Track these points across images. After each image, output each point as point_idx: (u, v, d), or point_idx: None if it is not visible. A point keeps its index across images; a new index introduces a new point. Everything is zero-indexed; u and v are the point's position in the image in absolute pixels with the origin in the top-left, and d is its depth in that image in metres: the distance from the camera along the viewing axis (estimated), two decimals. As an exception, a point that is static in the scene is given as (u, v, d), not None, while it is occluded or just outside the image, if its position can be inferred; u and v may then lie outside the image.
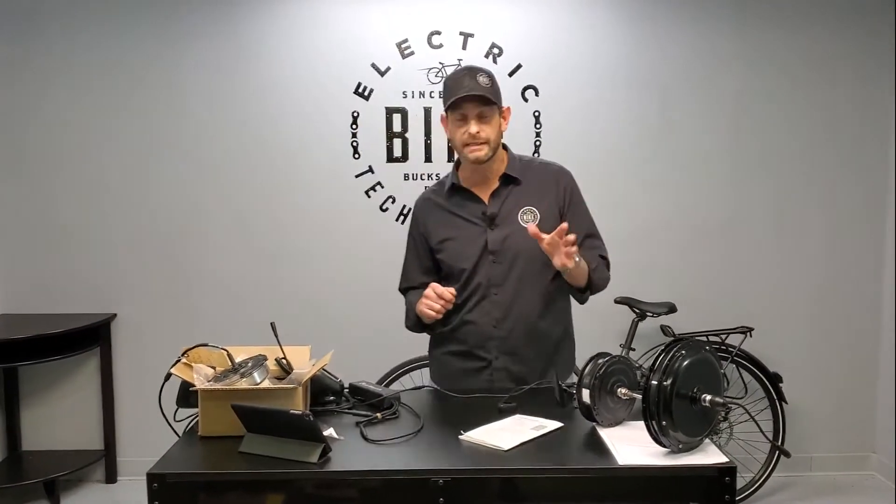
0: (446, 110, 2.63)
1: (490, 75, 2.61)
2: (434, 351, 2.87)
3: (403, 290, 2.89)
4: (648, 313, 4.27)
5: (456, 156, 2.80)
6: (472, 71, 2.59)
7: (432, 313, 2.54)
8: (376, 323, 4.51)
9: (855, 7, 4.49)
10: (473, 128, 2.56)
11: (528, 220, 2.65)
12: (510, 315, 2.67)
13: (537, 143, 4.52)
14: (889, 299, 4.61)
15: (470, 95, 2.53)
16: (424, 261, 2.82)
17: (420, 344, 2.99)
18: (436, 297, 2.53)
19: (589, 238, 2.76)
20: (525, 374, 2.68)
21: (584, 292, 2.69)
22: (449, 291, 2.54)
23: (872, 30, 4.50)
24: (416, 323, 2.74)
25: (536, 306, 2.70)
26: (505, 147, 2.75)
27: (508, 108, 2.71)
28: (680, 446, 1.92)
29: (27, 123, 4.51)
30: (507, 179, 2.71)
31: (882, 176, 4.60)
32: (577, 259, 2.46)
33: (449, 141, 2.71)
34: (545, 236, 2.40)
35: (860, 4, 4.49)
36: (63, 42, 4.45)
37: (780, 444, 4.32)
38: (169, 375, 2.20)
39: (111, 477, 4.64)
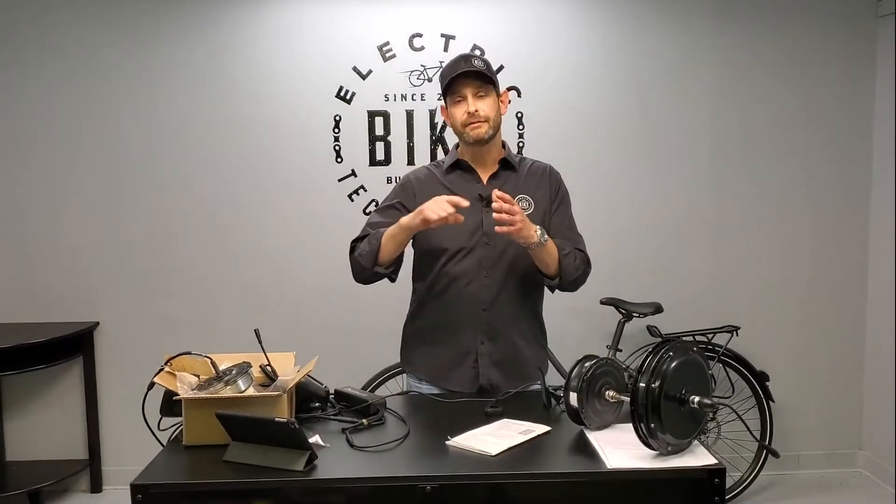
0: (445, 97, 2.67)
1: (485, 60, 2.66)
2: (413, 341, 2.84)
3: (357, 239, 2.71)
4: (635, 314, 4.26)
5: (453, 143, 2.82)
6: (467, 56, 2.65)
7: (434, 217, 2.41)
8: (361, 328, 4.50)
9: (836, 6, 4.50)
10: (472, 106, 2.59)
11: (524, 207, 2.67)
12: (499, 299, 2.67)
13: (520, 143, 4.51)
14: (874, 297, 4.63)
15: (466, 75, 2.58)
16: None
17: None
18: (447, 205, 2.43)
19: (569, 231, 2.77)
20: (508, 360, 2.69)
21: (554, 279, 2.67)
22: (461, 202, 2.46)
23: (854, 28, 4.52)
24: (372, 258, 2.57)
25: (523, 292, 2.72)
26: (503, 142, 2.79)
27: (506, 93, 2.75)
28: (669, 448, 1.91)
29: (0, 127, 4.47)
30: (506, 164, 2.74)
31: (866, 174, 4.62)
32: (541, 235, 2.50)
33: (451, 127, 2.69)
34: (498, 206, 2.39)
35: (841, 3, 4.50)
36: (36, 45, 4.41)
37: (767, 443, 4.33)
38: (152, 384, 2.18)
39: (96, 486, 4.60)
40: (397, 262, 2.66)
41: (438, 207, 2.42)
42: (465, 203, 2.44)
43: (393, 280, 2.70)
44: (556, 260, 2.62)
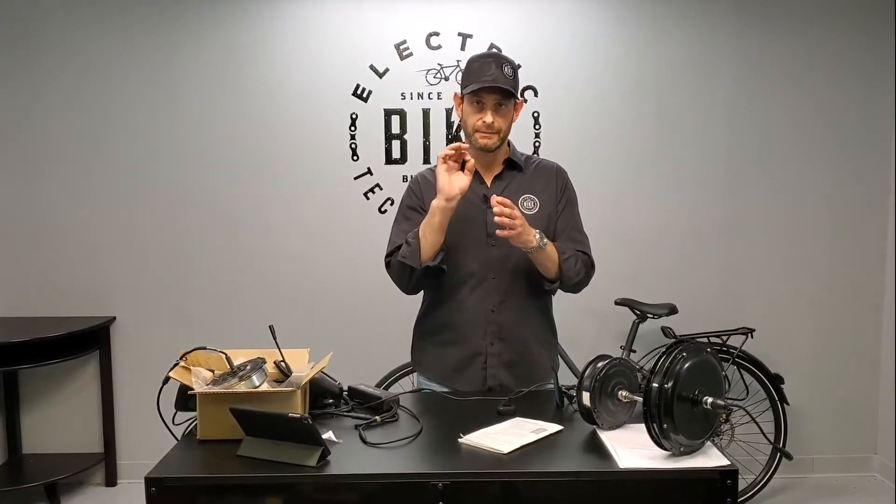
0: (464, 92, 2.63)
1: (514, 68, 2.62)
2: (423, 342, 2.83)
3: (391, 252, 2.72)
4: (649, 315, 4.25)
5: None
6: (499, 60, 2.59)
7: (453, 191, 2.49)
8: (375, 325, 4.51)
9: (854, 8, 4.48)
10: (489, 118, 2.56)
11: (529, 207, 2.66)
12: (507, 300, 2.66)
13: (536, 143, 4.51)
14: (891, 300, 4.60)
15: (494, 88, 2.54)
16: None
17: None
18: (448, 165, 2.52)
19: (574, 231, 2.74)
20: (518, 361, 2.68)
21: (554, 282, 2.66)
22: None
23: (872, 30, 4.49)
24: (417, 254, 2.56)
25: (532, 293, 2.70)
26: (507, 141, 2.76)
27: (522, 102, 2.72)
28: (681, 449, 1.91)
29: (23, 126, 4.50)
30: (511, 165, 2.73)
31: (884, 177, 4.59)
32: (540, 240, 2.49)
33: (460, 122, 2.68)
34: (499, 210, 2.40)
35: (859, 5, 4.48)
36: (57, 46, 4.44)
37: (781, 446, 4.31)
38: (167, 379, 2.19)
39: (111, 480, 4.63)
40: (442, 252, 2.60)
41: (445, 180, 2.49)
42: (462, 148, 2.50)
43: (444, 271, 2.66)
44: (556, 263, 2.60)
